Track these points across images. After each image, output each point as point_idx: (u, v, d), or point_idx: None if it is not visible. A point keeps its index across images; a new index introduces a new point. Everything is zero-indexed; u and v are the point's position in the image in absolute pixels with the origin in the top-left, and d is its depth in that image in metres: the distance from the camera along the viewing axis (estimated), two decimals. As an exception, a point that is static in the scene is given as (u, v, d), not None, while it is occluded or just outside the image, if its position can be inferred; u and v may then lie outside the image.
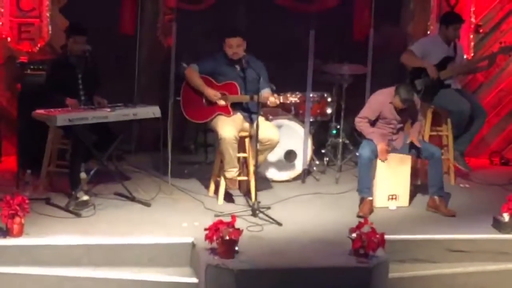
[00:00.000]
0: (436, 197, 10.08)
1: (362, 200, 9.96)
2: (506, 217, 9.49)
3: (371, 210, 9.92)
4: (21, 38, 11.13)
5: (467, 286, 9.16)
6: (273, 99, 10.11)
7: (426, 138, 10.87)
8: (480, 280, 9.21)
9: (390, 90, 10.01)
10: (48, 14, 11.11)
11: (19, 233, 8.78)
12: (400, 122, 10.15)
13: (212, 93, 10.10)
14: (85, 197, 9.78)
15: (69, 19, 11.23)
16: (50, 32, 11.17)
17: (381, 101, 10.10)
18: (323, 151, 11.54)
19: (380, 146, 9.97)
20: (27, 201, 8.86)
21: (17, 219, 8.74)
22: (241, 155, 10.22)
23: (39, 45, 11.18)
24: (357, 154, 10.75)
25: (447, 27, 11.06)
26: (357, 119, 10.15)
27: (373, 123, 10.11)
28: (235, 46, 10.06)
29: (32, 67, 10.91)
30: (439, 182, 10.09)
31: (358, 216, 9.64)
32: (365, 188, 9.97)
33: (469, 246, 9.37)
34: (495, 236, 9.49)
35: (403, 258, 9.11)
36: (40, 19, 11.12)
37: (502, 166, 12.04)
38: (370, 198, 9.98)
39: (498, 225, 9.55)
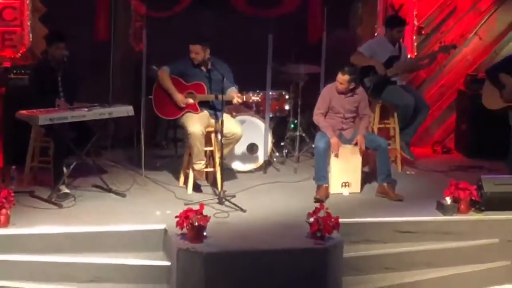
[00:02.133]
0: (384, 184, 10.15)
1: (319, 187, 10.00)
2: (448, 200, 9.58)
3: (327, 195, 9.96)
4: (4, 45, 11.04)
5: (414, 263, 9.22)
6: (237, 98, 10.21)
7: (375, 130, 10.95)
8: (426, 258, 9.28)
9: (334, 83, 10.15)
10: (28, 23, 11.03)
11: (6, 224, 8.77)
12: (348, 112, 10.22)
13: (180, 99, 10.16)
14: (66, 190, 9.76)
15: (48, 27, 11.16)
16: (30, 39, 11.09)
17: (329, 91, 10.23)
18: (282, 143, 11.56)
19: (333, 141, 10.03)
20: (12, 194, 8.88)
21: (3, 211, 8.73)
22: (208, 148, 10.24)
23: (21, 52, 11.09)
24: (313, 146, 10.81)
25: (392, 30, 11.11)
26: (314, 113, 10.23)
27: (324, 115, 10.20)
28: (194, 53, 10.13)
29: (14, 71, 10.87)
30: (387, 170, 10.16)
31: (315, 199, 9.73)
32: (321, 176, 10.02)
33: (415, 227, 9.45)
34: (438, 218, 9.58)
35: (356, 240, 9.17)
36: (22, 27, 11.04)
37: (444, 155, 12.09)
38: (326, 185, 10.04)
39: (441, 208, 9.63)
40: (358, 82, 10.26)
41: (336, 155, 10.08)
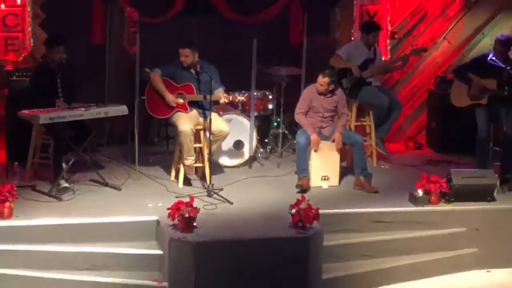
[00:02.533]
0: (361, 177, 10.19)
1: (300, 179, 10.04)
2: (420, 192, 9.62)
3: (308, 186, 10.02)
4: (7, 50, 11.02)
5: (389, 251, 9.29)
6: (224, 98, 10.24)
7: (352, 128, 10.98)
8: (400, 246, 9.36)
9: (315, 84, 10.20)
10: (29, 29, 11.00)
11: (9, 216, 8.79)
12: (327, 111, 10.27)
13: (171, 99, 10.18)
14: (66, 184, 9.77)
15: (47, 32, 11.09)
16: (31, 44, 11.06)
17: (310, 92, 10.27)
18: (266, 140, 11.57)
19: (313, 137, 10.08)
20: (15, 188, 8.90)
21: (7, 204, 8.76)
22: (197, 145, 10.25)
23: (22, 55, 11.06)
24: (294, 142, 10.85)
25: (367, 34, 11.13)
26: (295, 112, 10.29)
27: (305, 114, 10.26)
28: (184, 56, 10.16)
29: (17, 74, 10.85)
30: (363, 164, 10.21)
31: (298, 185, 9.76)
32: (302, 169, 10.07)
33: (390, 217, 9.50)
34: (411, 209, 9.62)
35: (335, 229, 9.20)
36: (23, 33, 11.01)
37: (416, 150, 12.10)
38: (307, 178, 10.08)
39: (414, 200, 9.68)
40: (336, 83, 10.32)
41: (316, 150, 10.14)
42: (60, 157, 9.86)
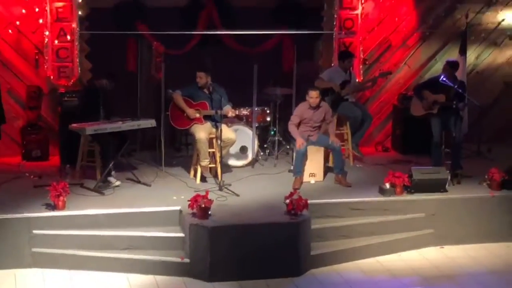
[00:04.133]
0: (339, 175, 10.17)
1: (296, 178, 9.98)
2: (387, 185, 9.63)
3: (301, 184, 9.96)
4: (60, 77, 10.97)
5: (362, 232, 9.30)
6: (231, 113, 10.26)
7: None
8: (371, 228, 9.36)
9: (306, 101, 10.12)
10: (77, 60, 10.98)
11: (63, 207, 8.84)
12: (316, 122, 10.20)
13: (191, 112, 10.16)
14: (117, 182, 9.81)
15: (91, 62, 11.18)
16: (79, 71, 11.03)
17: (301, 108, 10.19)
18: (265, 145, 11.50)
19: (298, 140, 9.98)
20: (67, 186, 8.93)
21: (61, 198, 8.80)
22: (211, 150, 10.22)
23: (72, 81, 11.02)
24: (288, 147, 10.93)
25: (344, 61, 11.12)
26: (288, 123, 10.19)
27: (298, 125, 10.18)
28: (199, 77, 10.14)
29: (67, 95, 10.83)
30: (341, 164, 10.17)
31: (294, 189, 9.56)
32: (298, 171, 10.00)
33: (363, 205, 9.50)
34: (380, 199, 9.62)
35: (320, 215, 9.20)
36: (72, 63, 10.97)
37: (383, 152, 12.01)
38: (301, 177, 10.03)
39: (382, 191, 9.67)
40: (321, 99, 10.29)
41: (299, 147, 9.96)
42: (103, 161, 9.86)
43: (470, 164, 10.79)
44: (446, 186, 9.84)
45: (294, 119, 10.19)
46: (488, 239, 9.68)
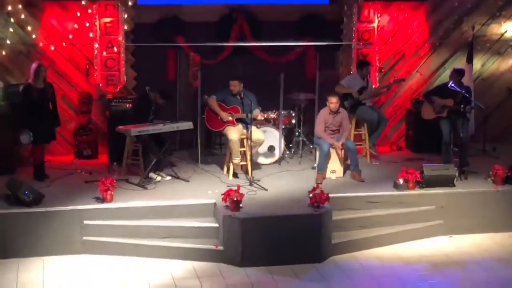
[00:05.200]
0: (354, 171, 10.12)
1: (318, 174, 9.95)
2: (401, 181, 9.57)
3: (323, 179, 9.90)
4: (108, 84, 11.00)
5: (378, 223, 9.26)
6: (260, 116, 10.28)
7: (352, 136, 10.80)
8: (386, 219, 9.32)
9: (326, 107, 10.09)
10: (123, 69, 11.02)
11: (111, 200, 8.90)
12: (335, 126, 10.17)
13: (224, 115, 10.16)
14: (158, 178, 9.83)
15: (136, 71, 11.22)
16: (125, 80, 11.06)
17: (323, 114, 10.15)
18: (290, 145, 11.43)
19: (336, 145, 10.01)
20: (114, 181, 9.00)
21: (109, 192, 8.87)
22: (242, 149, 10.21)
23: (118, 88, 11.06)
24: (311, 146, 10.87)
25: (361, 69, 11.05)
26: (317, 132, 10.15)
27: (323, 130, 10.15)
28: (233, 86, 10.14)
29: (115, 101, 10.83)
30: (355, 162, 10.12)
31: (317, 184, 9.48)
32: (321, 168, 9.97)
33: (379, 199, 9.46)
34: (394, 193, 9.57)
35: (340, 208, 9.17)
36: (119, 72, 11.00)
37: (398, 151, 11.89)
38: (324, 173, 10.01)
39: (396, 186, 9.62)
40: (341, 105, 10.23)
41: (339, 147, 10.01)
42: (146, 159, 9.90)
43: (476, 162, 10.69)
44: (455, 181, 9.76)
45: (319, 125, 10.14)
46: (493, 229, 9.59)
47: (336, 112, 10.11)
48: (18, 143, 9.94)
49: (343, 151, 10.19)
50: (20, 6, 10.66)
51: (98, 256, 8.56)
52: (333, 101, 10.03)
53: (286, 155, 11.24)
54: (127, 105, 10.72)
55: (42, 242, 8.51)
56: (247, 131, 10.08)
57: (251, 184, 9.66)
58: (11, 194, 8.80)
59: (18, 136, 9.85)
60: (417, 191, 9.59)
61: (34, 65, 9.71)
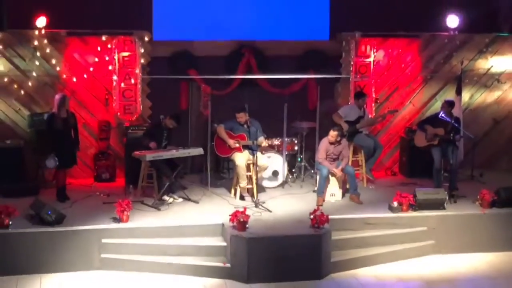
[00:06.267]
0: (353, 195, 10.12)
1: (319, 197, 9.93)
2: (395, 204, 9.56)
3: (323, 202, 9.89)
4: (125, 113, 11.09)
5: (374, 243, 9.22)
6: (265, 143, 10.31)
7: (350, 162, 10.79)
8: (381, 239, 9.28)
9: (327, 137, 10.11)
10: (139, 99, 11.10)
11: (127, 220, 8.90)
12: (335, 155, 10.19)
13: (231, 143, 10.17)
14: (170, 200, 9.83)
15: (151, 101, 11.28)
16: (141, 109, 11.14)
17: (324, 143, 10.15)
18: (293, 170, 11.42)
19: (337, 171, 10.02)
20: (131, 202, 9.00)
21: (125, 212, 8.87)
22: (248, 173, 10.22)
23: (135, 117, 11.14)
24: (312, 171, 10.85)
25: (359, 100, 11.08)
26: (319, 159, 10.12)
27: (325, 158, 10.14)
28: (239, 118, 10.16)
29: (131, 128, 10.90)
30: (354, 186, 10.13)
31: (318, 206, 9.53)
32: (321, 191, 9.97)
33: (375, 220, 9.44)
34: (389, 215, 9.54)
35: (339, 228, 9.14)
36: (135, 102, 11.08)
37: (392, 176, 11.86)
38: (323, 196, 10.01)
39: (391, 208, 9.60)
40: (342, 136, 10.22)
41: (339, 173, 10.03)
42: (160, 182, 9.91)
43: (465, 186, 10.65)
44: (445, 204, 9.75)
45: (321, 154, 10.13)
46: (480, 249, 9.56)
47: (336, 142, 10.14)
48: (44, 167, 9.98)
49: (342, 175, 10.19)
50: (45, 41, 10.80)
51: (115, 272, 8.55)
52: (333, 136, 10.05)
53: (289, 179, 11.22)
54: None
55: (63, 258, 8.52)
56: (253, 157, 10.10)
57: (256, 206, 9.66)
58: (35, 214, 8.84)
59: (42, 160, 9.91)
60: (410, 214, 9.57)
61: (58, 96, 9.77)
